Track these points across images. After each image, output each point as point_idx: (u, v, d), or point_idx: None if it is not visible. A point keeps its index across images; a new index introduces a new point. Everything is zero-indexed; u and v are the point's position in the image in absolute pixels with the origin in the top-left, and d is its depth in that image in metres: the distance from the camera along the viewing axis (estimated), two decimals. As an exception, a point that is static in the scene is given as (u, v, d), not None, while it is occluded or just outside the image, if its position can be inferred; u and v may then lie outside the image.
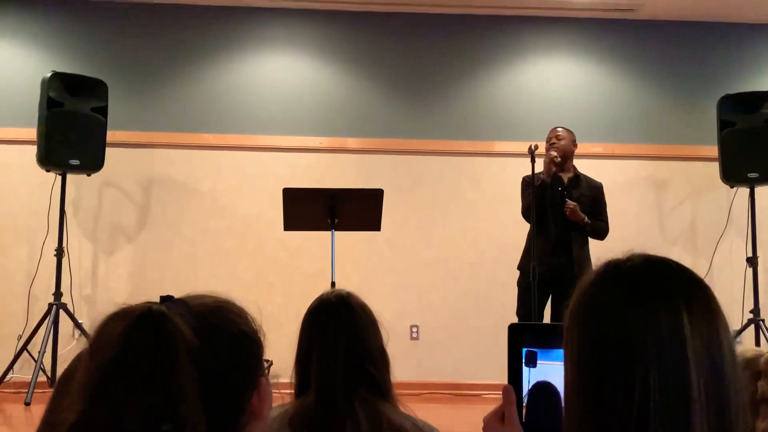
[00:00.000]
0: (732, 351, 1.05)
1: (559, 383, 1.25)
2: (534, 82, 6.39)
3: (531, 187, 4.92)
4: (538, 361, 1.25)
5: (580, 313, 1.06)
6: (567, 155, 5.09)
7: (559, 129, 5.19)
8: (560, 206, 4.92)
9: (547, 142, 5.14)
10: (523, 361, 1.24)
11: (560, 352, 1.23)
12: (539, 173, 4.95)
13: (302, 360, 1.89)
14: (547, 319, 4.99)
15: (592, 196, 5.10)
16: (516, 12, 6.32)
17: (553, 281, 4.86)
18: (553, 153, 4.94)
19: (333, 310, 1.91)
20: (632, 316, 1.02)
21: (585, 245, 5.02)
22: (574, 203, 4.92)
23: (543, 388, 1.23)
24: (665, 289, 1.04)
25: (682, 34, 6.45)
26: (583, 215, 4.92)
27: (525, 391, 1.25)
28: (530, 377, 1.26)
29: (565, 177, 5.08)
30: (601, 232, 5.09)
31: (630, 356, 1.01)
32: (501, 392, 1.23)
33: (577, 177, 5.14)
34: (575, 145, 5.20)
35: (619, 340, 1.01)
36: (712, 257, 6.09)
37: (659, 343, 1.01)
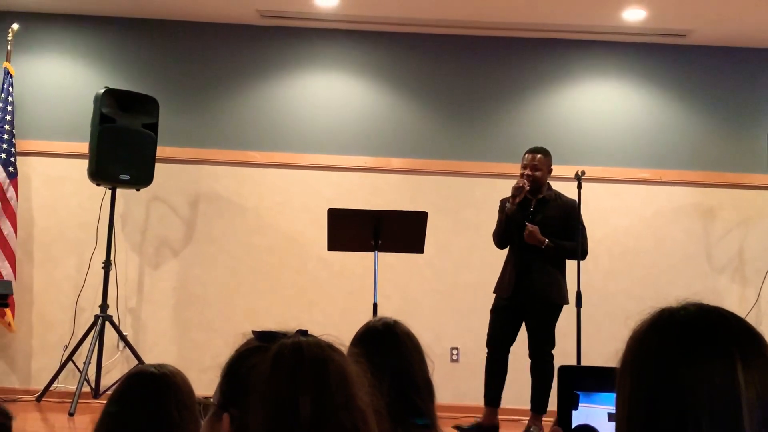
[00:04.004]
0: None
1: (601, 427, 1.24)
2: (581, 106, 6.35)
3: (502, 213, 4.97)
4: (580, 404, 1.25)
5: (633, 360, 1.06)
6: (540, 184, 5.00)
7: (539, 156, 5.03)
8: (523, 230, 4.87)
9: (522, 167, 5.02)
10: (564, 403, 1.24)
11: (604, 395, 1.23)
12: (507, 199, 4.96)
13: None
14: (520, 343, 5.02)
15: (561, 217, 4.97)
16: (564, 36, 6.30)
17: (519, 307, 4.91)
18: (525, 184, 4.88)
19: (380, 338, 1.91)
20: (685, 365, 1.01)
21: (549, 269, 4.91)
22: (534, 226, 4.84)
23: (585, 432, 1.23)
24: (719, 339, 1.03)
25: (733, 61, 6.37)
26: (542, 238, 4.83)
27: (571, 434, 1.24)
28: (572, 420, 1.25)
29: (535, 199, 5.00)
30: (572, 252, 4.93)
31: (682, 405, 1.00)
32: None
33: (545, 199, 5.02)
34: (550, 171, 5.09)
35: (671, 388, 1.01)
36: (761, 288, 5.97)
37: (712, 392, 1.00)
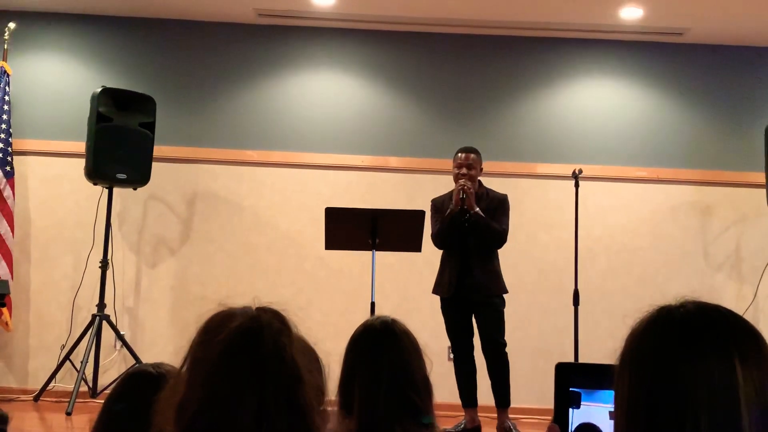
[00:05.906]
0: None
1: (603, 425, 1.24)
2: (578, 105, 6.35)
3: (440, 212, 5.00)
4: (582, 403, 1.25)
5: (632, 358, 1.06)
6: (475, 182, 5.06)
7: (472, 155, 5.06)
8: (463, 230, 4.92)
9: (457, 166, 5.04)
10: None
11: (605, 393, 1.23)
12: (439, 200, 5.06)
13: (346, 383, 1.89)
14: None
15: (491, 209, 5.00)
16: (562, 34, 6.30)
17: (464, 302, 4.97)
18: (467, 187, 4.88)
19: (378, 336, 1.91)
20: (684, 362, 1.01)
21: (489, 266, 4.96)
22: (471, 190, 4.87)
23: (588, 430, 1.23)
24: (717, 337, 1.04)
25: (729, 59, 6.37)
26: (474, 204, 4.87)
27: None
28: (573, 418, 1.25)
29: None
30: (496, 234, 4.96)
31: (681, 402, 1.00)
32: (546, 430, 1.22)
33: (477, 195, 5.02)
34: (482, 170, 5.13)
35: (670, 386, 1.01)
36: (758, 285, 5.98)
37: (711, 389, 1.00)
